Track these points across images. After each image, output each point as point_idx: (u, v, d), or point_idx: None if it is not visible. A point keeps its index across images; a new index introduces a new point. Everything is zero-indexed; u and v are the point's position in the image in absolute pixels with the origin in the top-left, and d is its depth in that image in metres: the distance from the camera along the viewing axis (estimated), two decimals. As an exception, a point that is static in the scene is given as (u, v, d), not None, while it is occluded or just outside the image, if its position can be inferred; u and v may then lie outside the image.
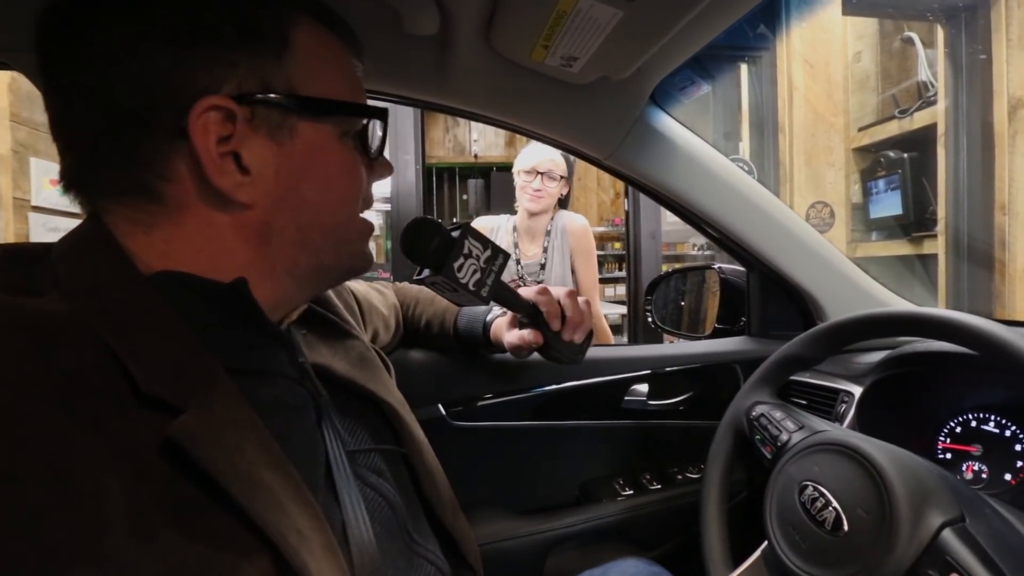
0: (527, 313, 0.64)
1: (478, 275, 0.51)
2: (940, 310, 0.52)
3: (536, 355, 0.71)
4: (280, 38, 0.38)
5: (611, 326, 2.06)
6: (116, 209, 0.37)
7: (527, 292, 0.64)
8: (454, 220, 5.11)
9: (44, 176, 2.12)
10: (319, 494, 0.37)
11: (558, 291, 0.66)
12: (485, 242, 0.52)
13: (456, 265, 0.50)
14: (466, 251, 0.50)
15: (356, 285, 0.71)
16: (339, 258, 0.44)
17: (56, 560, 0.25)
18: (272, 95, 0.37)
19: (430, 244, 0.50)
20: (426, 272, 0.51)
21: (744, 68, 2.74)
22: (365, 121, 0.44)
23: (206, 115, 0.35)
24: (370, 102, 0.46)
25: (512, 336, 0.69)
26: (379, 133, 0.45)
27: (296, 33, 0.39)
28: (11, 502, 0.25)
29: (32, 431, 0.27)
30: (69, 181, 0.38)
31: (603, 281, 4.82)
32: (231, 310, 0.38)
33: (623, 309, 3.72)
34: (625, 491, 0.89)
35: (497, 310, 0.77)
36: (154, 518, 0.28)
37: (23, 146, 2.06)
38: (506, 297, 0.59)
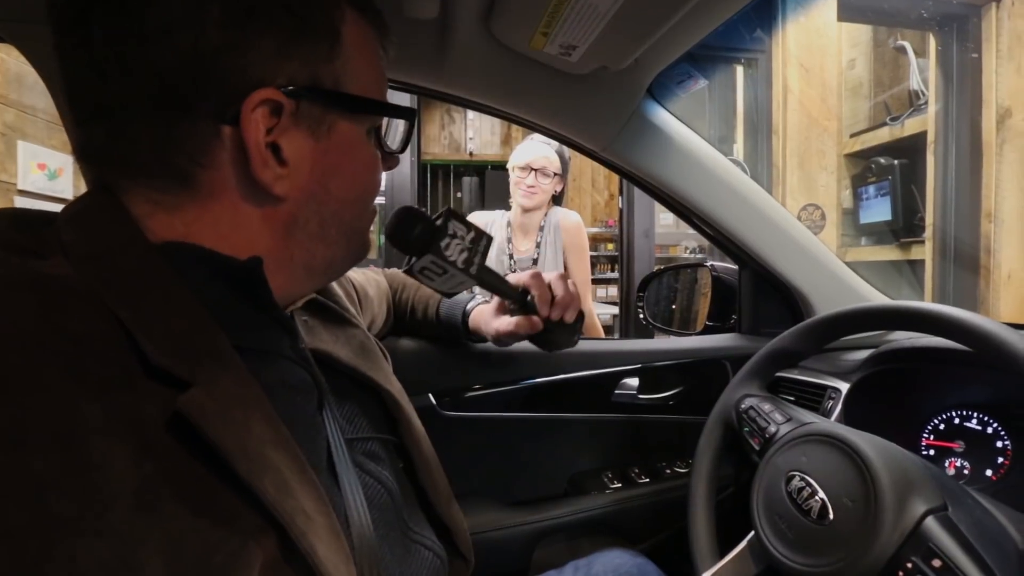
0: (514, 299, 0.64)
1: (465, 254, 0.52)
2: (930, 304, 0.52)
3: (528, 345, 0.70)
4: (332, 33, 0.38)
5: (603, 326, 2.06)
6: (136, 189, 0.35)
7: (519, 276, 0.64)
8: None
9: (31, 160, 2.07)
10: (321, 477, 0.37)
11: (549, 275, 0.66)
12: (468, 225, 0.53)
13: (443, 245, 0.51)
14: (451, 232, 0.52)
15: (354, 274, 0.71)
16: (350, 250, 0.44)
17: (59, 532, 0.24)
18: (321, 91, 0.37)
19: (415, 230, 0.51)
20: (414, 260, 0.52)
21: (740, 69, 2.76)
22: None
23: (259, 107, 0.34)
24: None
25: (502, 323, 0.68)
26: (402, 131, 0.46)
27: (345, 28, 0.38)
28: (14, 469, 0.24)
29: (37, 395, 0.26)
30: (87, 154, 0.36)
31: (595, 282, 4.82)
32: (241, 288, 0.38)
33: (614, 309, 3.73)
34: (613, 484, 0.89)
35: (479, 297, 0.77)
36: (160, 493, 0.27)
37: (10, 128, 2.01)
38: (493, 282, 0.59)
